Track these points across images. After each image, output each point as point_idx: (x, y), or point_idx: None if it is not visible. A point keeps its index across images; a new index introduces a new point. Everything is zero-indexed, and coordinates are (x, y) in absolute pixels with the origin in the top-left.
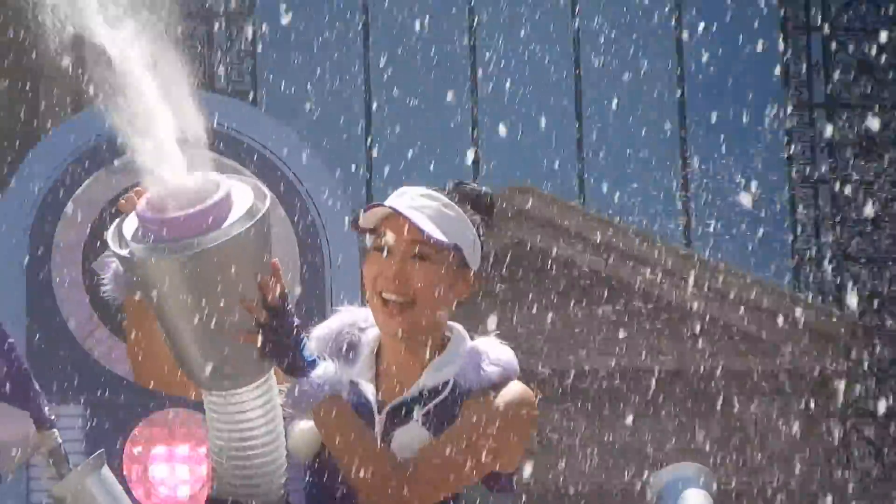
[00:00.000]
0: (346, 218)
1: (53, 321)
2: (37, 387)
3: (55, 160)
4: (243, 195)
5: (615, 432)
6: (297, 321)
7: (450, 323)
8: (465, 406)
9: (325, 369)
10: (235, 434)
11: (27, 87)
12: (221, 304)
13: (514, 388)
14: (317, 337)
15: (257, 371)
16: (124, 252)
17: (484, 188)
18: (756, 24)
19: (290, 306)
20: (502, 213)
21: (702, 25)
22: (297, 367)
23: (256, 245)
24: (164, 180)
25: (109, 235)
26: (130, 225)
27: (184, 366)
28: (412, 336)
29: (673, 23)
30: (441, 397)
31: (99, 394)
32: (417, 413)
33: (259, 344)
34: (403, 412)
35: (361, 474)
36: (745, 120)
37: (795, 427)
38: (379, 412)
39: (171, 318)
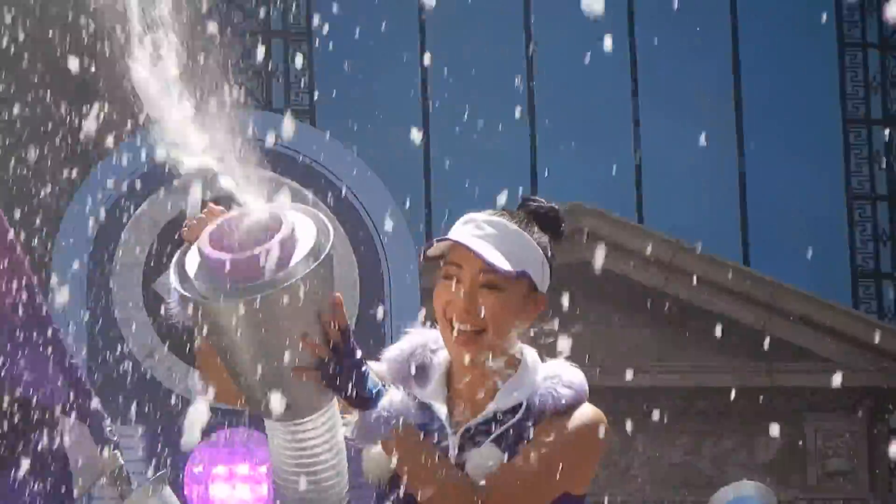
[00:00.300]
0: (405, 235)
1: (114, 341)
2: (99, 406)
3: (114, 181)
4: (307, 231)
5: (674, 451)
6: (359, 353)
7: (520, 345)
8: (540, 429)
9: (391, 400)
10: (298, 460)
11: (88, 109)
12: (283, 344)
13: (587, 411)
14: (389, 359)
15: (320, 403)
16: (187, 292)
17: (552, 204)
18: (812, 42)
19: (352, 340)
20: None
21: (758, 44)
22: (361, 400)
23: (320, 284)
24: (228, 215)
25: (172, 269)
26: (193, 261)
27: (245, 397)
28: (483, 360)
29: (729, 41)
30: (515, 419)
31: (159, 414)
32: (493, 434)
33: (321, 380)
34: (476, 434)
35: (437, 498)
36: (801, 137)
37: (855, 445)
38: (453, 433)
39: (232, 355)
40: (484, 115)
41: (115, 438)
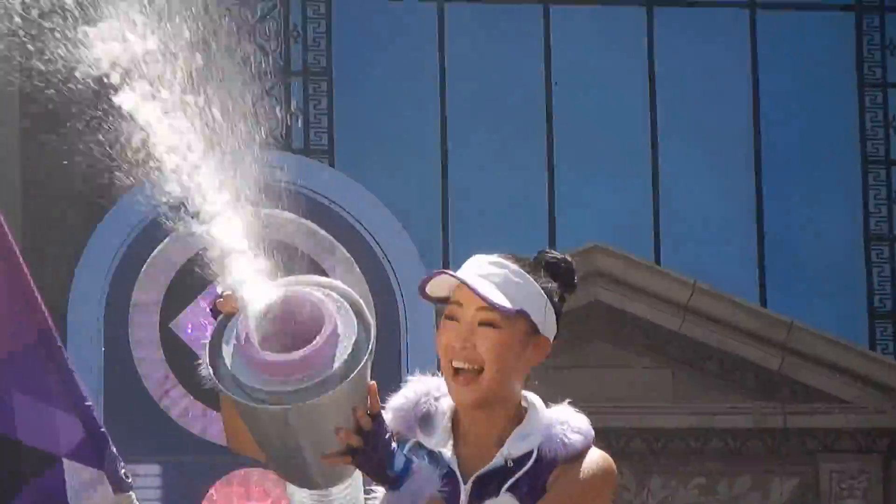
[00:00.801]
0: (422, 278)
1: (130, 381)
2: (114, 449)
3: (130, 222)
4: (348, 322)
5: (688, 492)
6: (388, 432)
7: (524, 392)
8: (555, 477)
9: (420, 475)
10: None
11: (103, 152)
12: (316, 437)
13: (597, 457)
14: (394, 408)
15: (345, 476)
16: (225, 385)
17: (566, 255)
18: (832, 82)
19: (383, 424)
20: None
21: (777, 84)
22: (388, 479)
23: (361, 380)
24: (262, 308)
25: (206, 350)
26: (229, 344)
27: (273, 469)
28: (485, 406)
29: (749, 81)
30: (527, 467)
31: (175, 453)
32: (507, 483)
33: (351, 464)
34: (487, 482)
35: None
36: (820, 177)
37: (871, 487)
38: (463, 482)
39: (261, 436)
40: (502, 157)
41: (130, 480)
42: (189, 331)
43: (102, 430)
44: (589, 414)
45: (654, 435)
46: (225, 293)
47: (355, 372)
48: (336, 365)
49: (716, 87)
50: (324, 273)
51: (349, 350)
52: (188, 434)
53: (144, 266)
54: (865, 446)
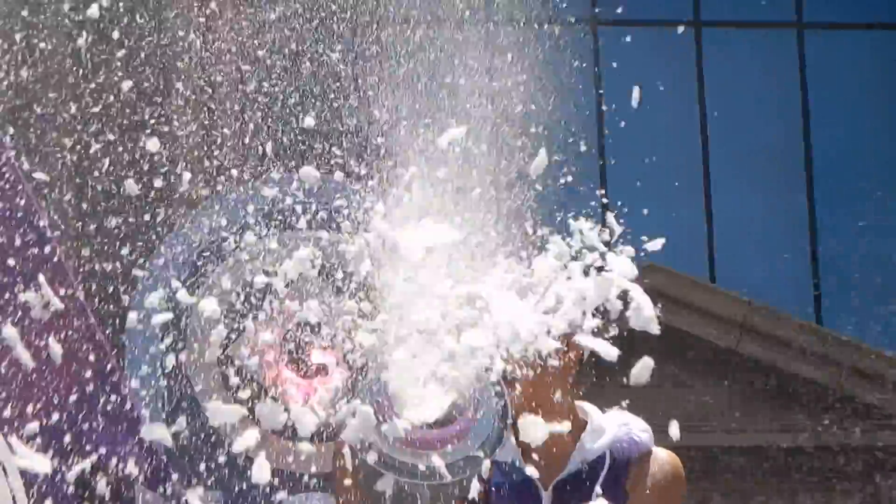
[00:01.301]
0: None
1: (191, 410)
2: (175, 477)
3: (185, 250)
4: (494, 405)
5: None
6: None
7: (578, 403)
8: (635, 475)
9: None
10: None
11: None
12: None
13: (667, 455)
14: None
15: None
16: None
17: None
18: (882, 96)
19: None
20: None
21: (827, 99)
22: None
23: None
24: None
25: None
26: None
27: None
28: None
29: (799, 97)
30: (606, 468)
31: (237, 479)
32: (589, 486)
33: None
34: (568, 487)
35: None
36: (872, 192)
37: None
38: (544, 489)
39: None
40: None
41: None
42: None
43: (163, 455)
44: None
45: (714, 454)
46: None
47: (485, 460)
48: (477, 446)
49: (766, 104)
50: None
51: (483, 441)
52: (248, 459)
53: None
54: None
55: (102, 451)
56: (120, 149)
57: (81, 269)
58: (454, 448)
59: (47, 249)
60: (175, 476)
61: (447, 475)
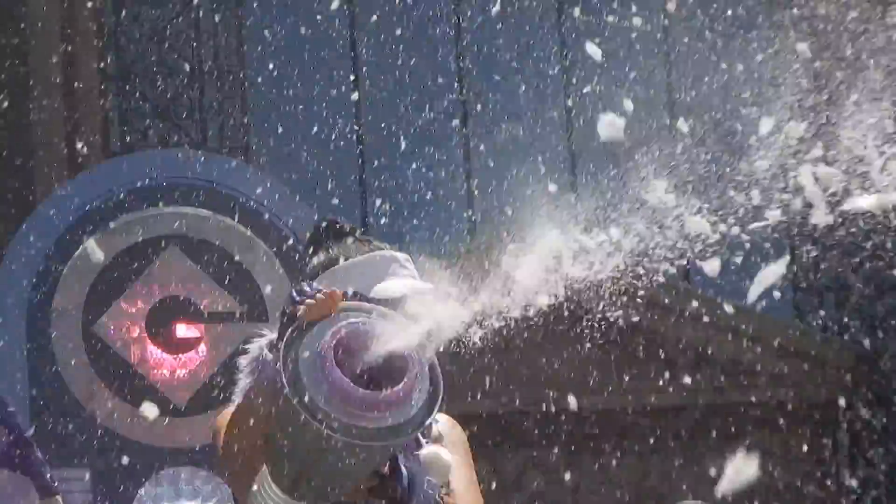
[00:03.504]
0: None
1: (56, 385)
2: (39, 454)
3: (50, 226)
4: (422, 372)
5: (627, 471)
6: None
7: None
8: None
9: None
10: None
11: (21, 156)
12: (356, 469)
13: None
14: None
15: (332, 500)
16: (299, 396)
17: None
18: None
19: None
20: None
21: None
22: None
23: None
24: (352, 322)
25: (280, 355)
26: (308, 358)
27: (272, 471)
28: None
29: None
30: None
31: (104, 456)
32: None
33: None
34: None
35: None
36: None
37: (802, 459)
38: None
39: (292, 452)
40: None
41: (56, 485)
42: (111, 333)
43: (26, 435)
44: None
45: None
46: (323, 294)
47: (426, 424)
48: (413, 412)
49: None
50: (242, 268)
51: (425, 401)
52: (117, 436)
53: (65, 270)
54: (797, 419)
55: None
56: None
57: None
58: (391, 413)
59: None
60: (38, 454)
61: (374, 440)
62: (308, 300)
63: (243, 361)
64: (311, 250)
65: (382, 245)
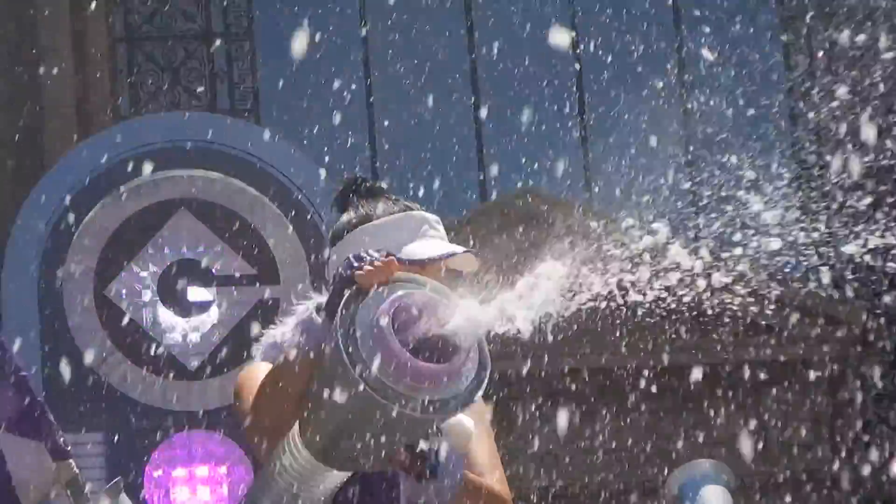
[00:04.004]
0: None
1: (68, 349)
2: (51, 418)
3: (62, 190)
4: (477, 361)
5: (634, 430)
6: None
7: None
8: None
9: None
10: (308, 493)
11: (31, 120)
12: (395, 437)
13: None
14: None
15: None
16: (360, 368)
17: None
18: None
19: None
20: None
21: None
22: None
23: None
24: (410, 294)
25: (339, 321)
26: (363, 328)
27: (317, 438)
28: None
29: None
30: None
31: (117, 419)
32: None
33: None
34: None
35: None
36: None
37: (815, 415)
38: None
39: (334, 418)
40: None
41: (69, 448)
42: (124, 296)
43: (39, 399)
44: None
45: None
46: (381, 262)
47: (473, 401)
48: (462, 388)
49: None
50: (253, 231)
51: (472, 375)
52: (129, 399)
53: (76, 234)
54: (808, 376)
55: None
56: None
57: None
58: (443, 387)
59: None
60: (51, 417)
61: (418, 411)
62: (367, 266)
63: (290, 321)
64: (339, 208)
65: (413, 205)
